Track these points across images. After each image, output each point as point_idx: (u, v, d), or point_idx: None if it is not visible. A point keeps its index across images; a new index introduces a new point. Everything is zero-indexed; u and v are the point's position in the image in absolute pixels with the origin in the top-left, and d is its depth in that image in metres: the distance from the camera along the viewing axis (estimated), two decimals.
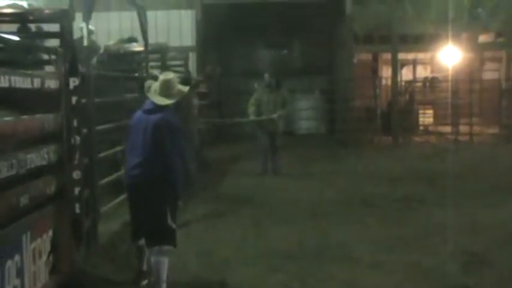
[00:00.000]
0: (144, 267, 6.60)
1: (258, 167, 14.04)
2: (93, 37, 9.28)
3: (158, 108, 6.21)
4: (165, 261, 6.10)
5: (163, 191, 6.11)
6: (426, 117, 24.95)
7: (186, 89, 6.54)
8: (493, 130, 21.52)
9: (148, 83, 6.50)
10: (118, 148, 9.43)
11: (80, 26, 7.92)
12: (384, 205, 10.37)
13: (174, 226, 6.19)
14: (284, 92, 13.99)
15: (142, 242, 6.42)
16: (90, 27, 8.20)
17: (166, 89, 6.28)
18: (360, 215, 9.69)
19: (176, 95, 6.35)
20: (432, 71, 27.09)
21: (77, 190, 6.54)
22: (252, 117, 13.86)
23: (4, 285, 4.72)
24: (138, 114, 6.36)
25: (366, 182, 12.58)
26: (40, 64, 7.27)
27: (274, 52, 24.90)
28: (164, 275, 6.08)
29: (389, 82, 22.32)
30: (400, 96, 22.26)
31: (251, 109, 13.80)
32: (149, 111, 6.24)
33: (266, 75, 14.06)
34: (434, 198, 10.73)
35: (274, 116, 13.53)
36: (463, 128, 21.11)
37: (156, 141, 6.06)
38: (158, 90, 6.27)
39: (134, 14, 10.65)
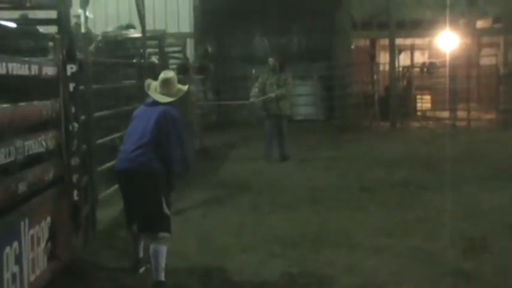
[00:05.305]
0: (141, 254, 6.61)
1: (257, 153, 14.03)
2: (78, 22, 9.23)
3: (160, 103, 6.37)
4: (163, 250, 6.08)
5: (159, 179, 6.11)
6: (424, 102, 24.98)
7: (185, 88, 6.71)
8: (491, 115, 21.53)
9: (148, 81, 6.64)
10: (116, 134, 9.40)
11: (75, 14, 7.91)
12: (383, 190, 10.35)
13: (168, 213, 6.20)
14: (287, 74, 13.96)
15: (136, 229, 6.45)
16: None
17: (165, 88, 6.46)
18: (360, 200, 9.68)
19: (176, 93, 6.52)
20: (430, 57, 27.13)
21: (75, 177, 6.54)
22: (252, 99, 13.89)
23: (3, 272, 4.72)
24: (141, 108, 6.54)
25: (364, 168, 12.56)
26: (38, 51, 7.23)
27: (273, 38, 24.80)
28: (163, 263, 6.05)
29: (387, 68, 22.27)
30: (397, 81, 22.24)
31: (254, 91, 13.84)
32: (151, 104, 6.41)
33: (270, 59, 14.07)
34: (433, 183, 10.73)
35: (272, 95, 13.52)
36: (460, 113, 21.17)
37: (156, 130, 6.12)
38: (158, 88, 6.46)
39: (132, 0, 10.62)
